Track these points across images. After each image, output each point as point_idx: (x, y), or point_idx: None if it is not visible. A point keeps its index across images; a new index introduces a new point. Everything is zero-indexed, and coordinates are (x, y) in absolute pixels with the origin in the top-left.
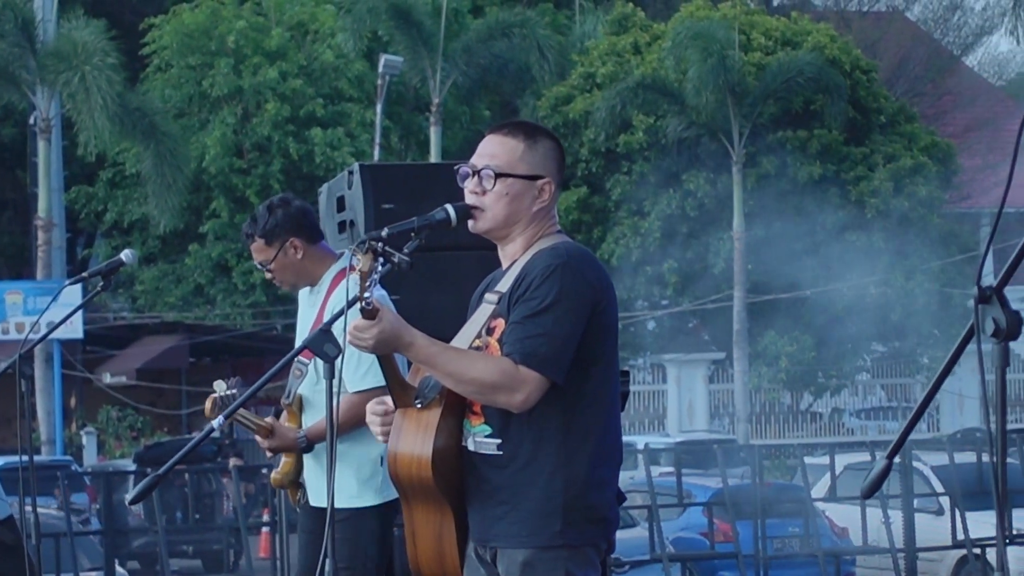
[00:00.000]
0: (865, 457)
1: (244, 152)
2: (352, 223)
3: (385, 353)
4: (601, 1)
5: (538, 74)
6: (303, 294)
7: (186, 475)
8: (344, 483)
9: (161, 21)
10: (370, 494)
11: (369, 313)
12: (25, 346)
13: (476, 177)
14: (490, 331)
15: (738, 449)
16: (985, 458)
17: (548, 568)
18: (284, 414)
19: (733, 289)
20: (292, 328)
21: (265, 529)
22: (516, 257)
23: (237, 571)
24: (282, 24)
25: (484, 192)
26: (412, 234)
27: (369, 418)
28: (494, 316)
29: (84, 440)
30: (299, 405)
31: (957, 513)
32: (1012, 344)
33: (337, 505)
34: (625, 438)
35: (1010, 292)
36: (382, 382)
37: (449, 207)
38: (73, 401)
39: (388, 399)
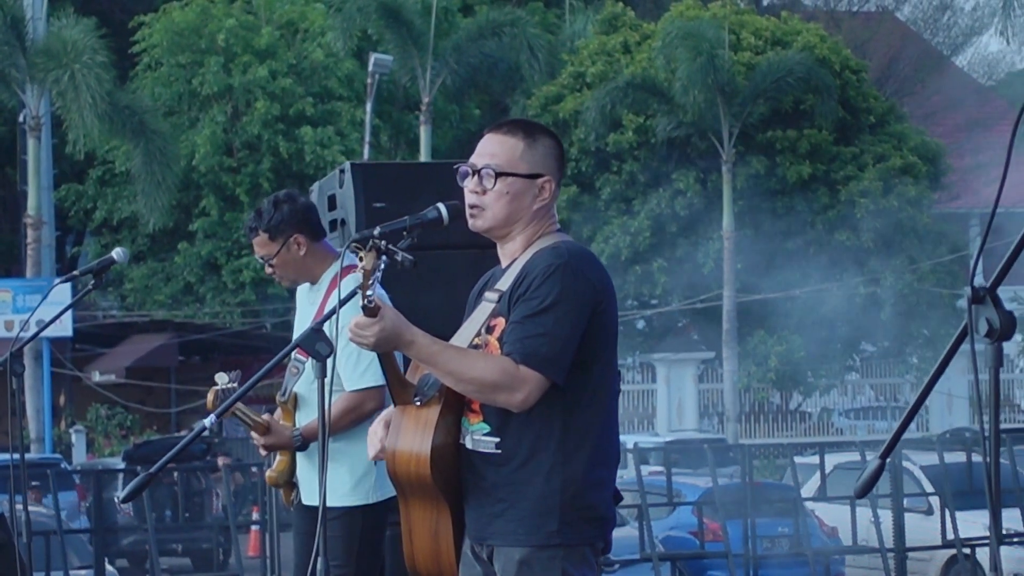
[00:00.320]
0: (855, 457)
1: (234, 150)
2: (343, 222)
3: (386, 351)
4: (591, 0)
5: (528, 73)
6: (302, 291)
7: (175, 474)
8: (338, 481)
9: (151, 19)
10: (364, 493)
11: (371, 311)
12: (16, 344)
13: (476, 176)
14: (490, 329)
15: (728, 448)
16: (975, 458)
17: (544, 567)
18: (278, 411)
19: (722, 288)
20: (281, 327)
21: (254, 528)
22: (516, 255)
23: (226, 569)
24: (272, 23)
25: (484, 191)
26: (404, 233)
27: (371, 430)
28: (494, 315)
29: (73, 438)
30: (294, 403)
31: (947, 513)
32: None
33: (330, 503)
34: None
35: (1000, 292)
36: (380, 381)
37: (441, 206)
38: (62, 399)
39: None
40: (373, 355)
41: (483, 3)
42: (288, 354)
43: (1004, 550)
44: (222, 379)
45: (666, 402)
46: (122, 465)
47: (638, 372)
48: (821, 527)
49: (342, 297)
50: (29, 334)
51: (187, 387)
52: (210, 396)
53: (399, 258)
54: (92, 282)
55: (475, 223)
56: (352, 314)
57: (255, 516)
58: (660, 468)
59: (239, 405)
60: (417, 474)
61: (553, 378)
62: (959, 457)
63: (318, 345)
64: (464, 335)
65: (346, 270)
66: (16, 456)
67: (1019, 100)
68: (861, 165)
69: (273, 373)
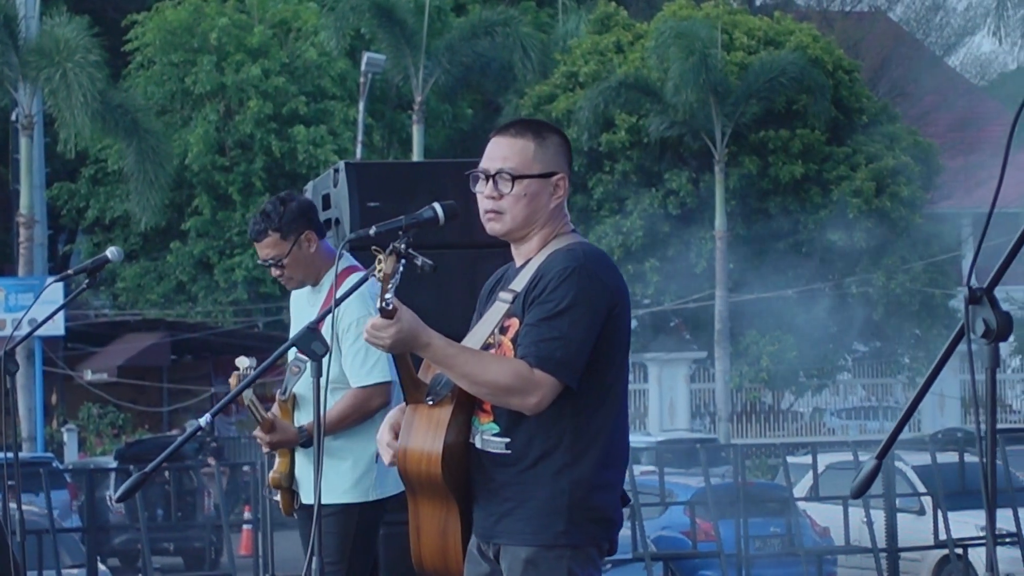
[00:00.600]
0: (847, 457)
1: (227, 149)
2: (338, 221)
3: (401, 352)
4: (584, 0)
5: (521, 73)
6: (301, 293)
7: (167, 472)
8: (339, 478)
9: (144, 18)
10: (364, 490)
11: (388, 313)
12: (9, 343)
13: (491, 181)
14: (504, 330)
15: (720, 448)
16: (967, 458)
17: (551, 566)
18: (276, 409)
19: (715, 288)
20: (273, 326)
21: (246, 527)
22: (531, 256)
23: (218, 568)
24: (265, 22)
25: (501, 196)
26: (400, 232)
27: (379, 438)
28: (508, 315)
29: (65, 437)
30: (293, 402)
31: (939, 513)
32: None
33: (330, 500)
34: None
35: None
36: (387, 377)
37: (437, 205)
38: (54, 398)
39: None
40: (380, 352)
41: (476, 2)
42: (283, 353)
43: (996, 550)
44: (243, 363)
45: (658, 402)
46: (114, 464)
47: (630, 372)
48: (813, 527)
49: (338, 296)
50: (22, 333)
51: (179, 386)
52: (232, 380)
53: (419, 262)
54: (86, 281)
55: (494, 227)
56: (354, 310)
57: (247, 515)
58: (652, 468)
59: (253, 397)
60: (428, 473)
61: (567, 382)
62: (951, 457)
63: (314, 344)
64: (477, 335)
65: (346, 271)
66: (10, 455)
67: (1011, 101)
68: (854, 165)
69: (272, 372)
